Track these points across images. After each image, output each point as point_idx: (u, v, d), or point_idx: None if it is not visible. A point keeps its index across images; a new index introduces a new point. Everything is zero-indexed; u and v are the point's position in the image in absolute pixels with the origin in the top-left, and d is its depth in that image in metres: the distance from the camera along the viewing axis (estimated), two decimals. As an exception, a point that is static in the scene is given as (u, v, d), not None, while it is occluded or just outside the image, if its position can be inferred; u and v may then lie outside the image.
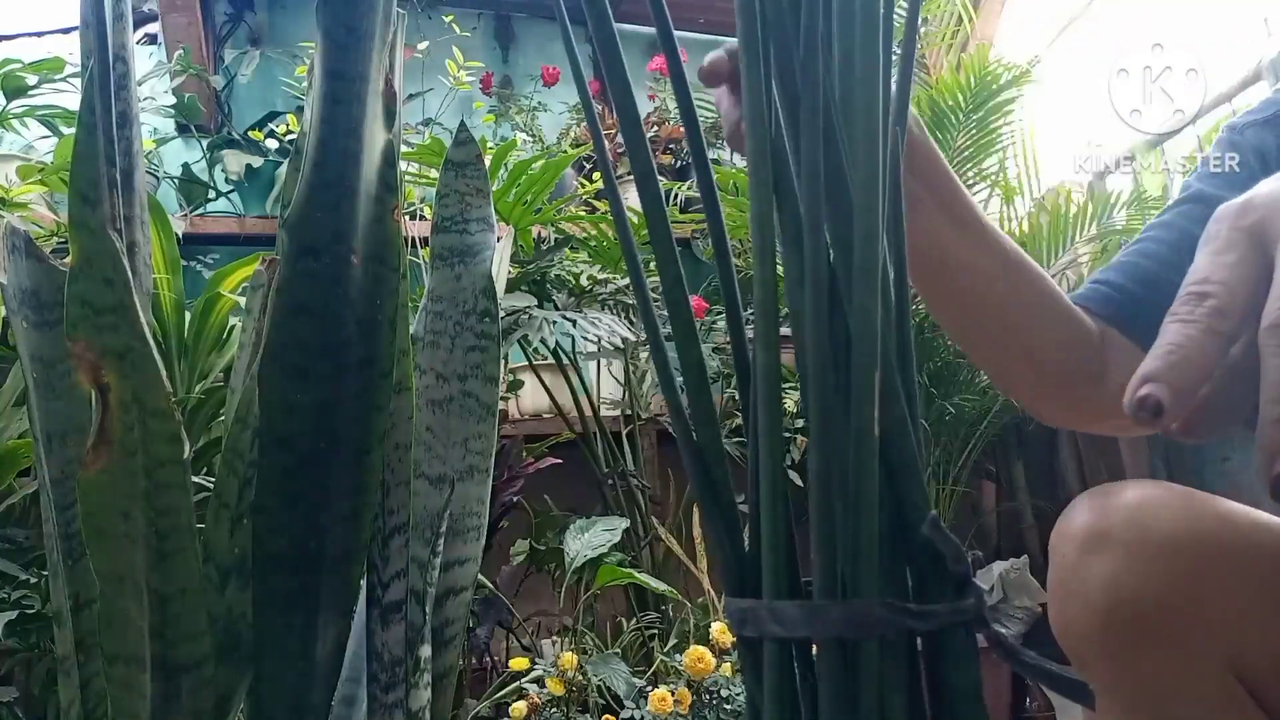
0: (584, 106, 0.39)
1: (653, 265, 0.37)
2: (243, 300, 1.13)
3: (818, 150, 0.32)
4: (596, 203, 2.17)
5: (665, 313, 0.38)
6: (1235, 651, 0.60)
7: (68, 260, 0.54)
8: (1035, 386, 0.71)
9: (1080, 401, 0.69)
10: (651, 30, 0.36)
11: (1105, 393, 0.69)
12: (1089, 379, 0.68)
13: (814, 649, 0.34)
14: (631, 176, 0.38)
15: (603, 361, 2.16)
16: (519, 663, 1.51)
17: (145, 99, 2.28)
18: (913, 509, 0.33)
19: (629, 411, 2.06)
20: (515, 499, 1.69)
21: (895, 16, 0.42)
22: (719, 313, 2.34)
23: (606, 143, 2.22)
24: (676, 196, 2.40)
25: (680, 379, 0.37)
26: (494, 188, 1.48)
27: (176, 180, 2.42)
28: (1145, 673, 0.60)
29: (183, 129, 2.53)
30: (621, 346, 1.86)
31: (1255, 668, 0.60)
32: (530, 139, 2.67)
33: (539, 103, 2.75)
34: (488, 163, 1.14)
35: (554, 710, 1.43)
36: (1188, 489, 0.66)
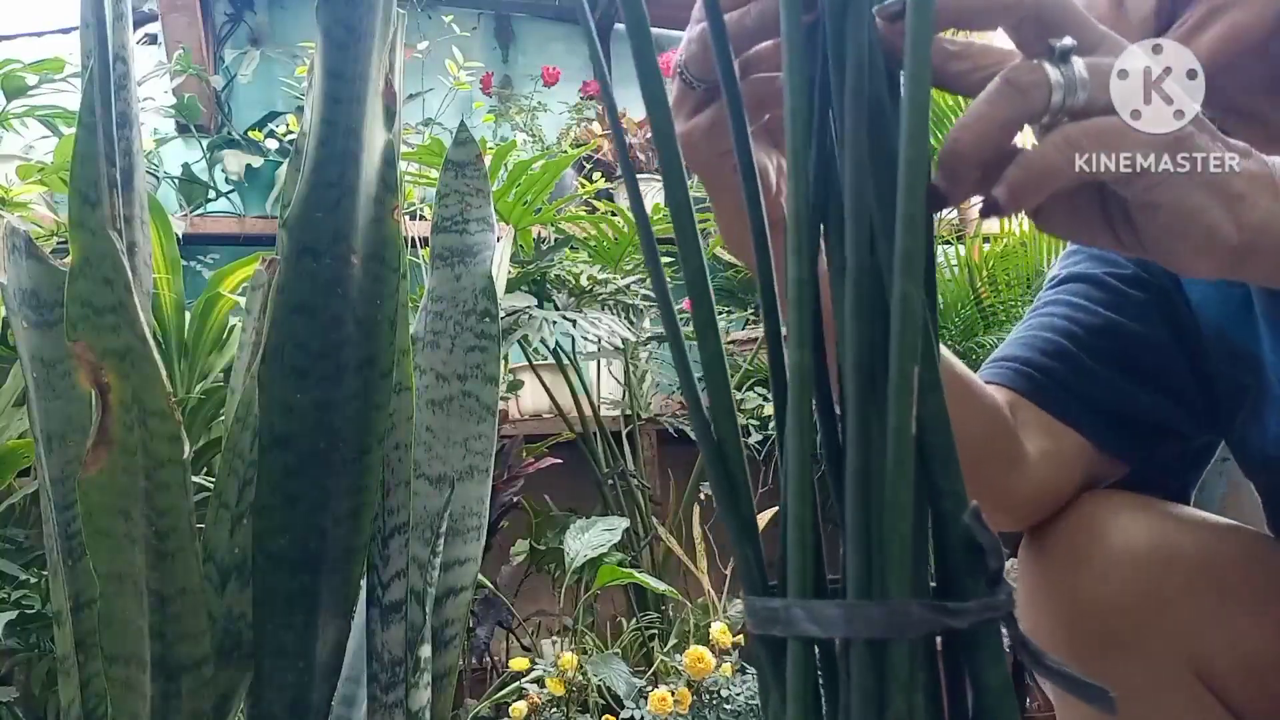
0: (606, 105, 0.39)
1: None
2: (243, 300, 1.13)
3: (863, 134, 0.32)
4: (596, 203, 2.17)
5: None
6: (1199, 655, 0.62)
7: (68, 260, 0.54)
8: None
9: (1000, 491, 0.66)
10: (656, 31, 0.36)
11: (1023, 478, 0.66)
12: (1008, 465, 0.66)
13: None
14: (636, 175, 0.38)
15: (603, 361, 2.16)
16: (519, 663, 1.52)
17: (145, 99, 2.28)
18: (954, 501, 0.32)
19: (629, 411, 2.06)
20: (515, 499, 1.69)
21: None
22: (719, 312, 2.34)
23: (606, 143, 2.21)
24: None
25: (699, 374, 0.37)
26: (494, 188, 1.48)
27: (176, 180, 2.42)
28: (1111, 679, 0.61)
29: (183, 129, 2.53)
30: (621, 346, 1.86)
31: (1220, 671, 0.62)
32: (530, 139, 2.67)
33: (539, 103, 2.75)
34: (488, 163, 1.14)
35: (554, 710, 1.43)
36: (1148, 498, 0.67)
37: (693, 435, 0.38)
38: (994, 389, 0.69)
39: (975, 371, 0.69)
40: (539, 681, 1.45)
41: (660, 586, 1.61)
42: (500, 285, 0.84)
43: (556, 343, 1.86)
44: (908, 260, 0.30)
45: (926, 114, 0.31)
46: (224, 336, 1.41)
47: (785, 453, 0.33)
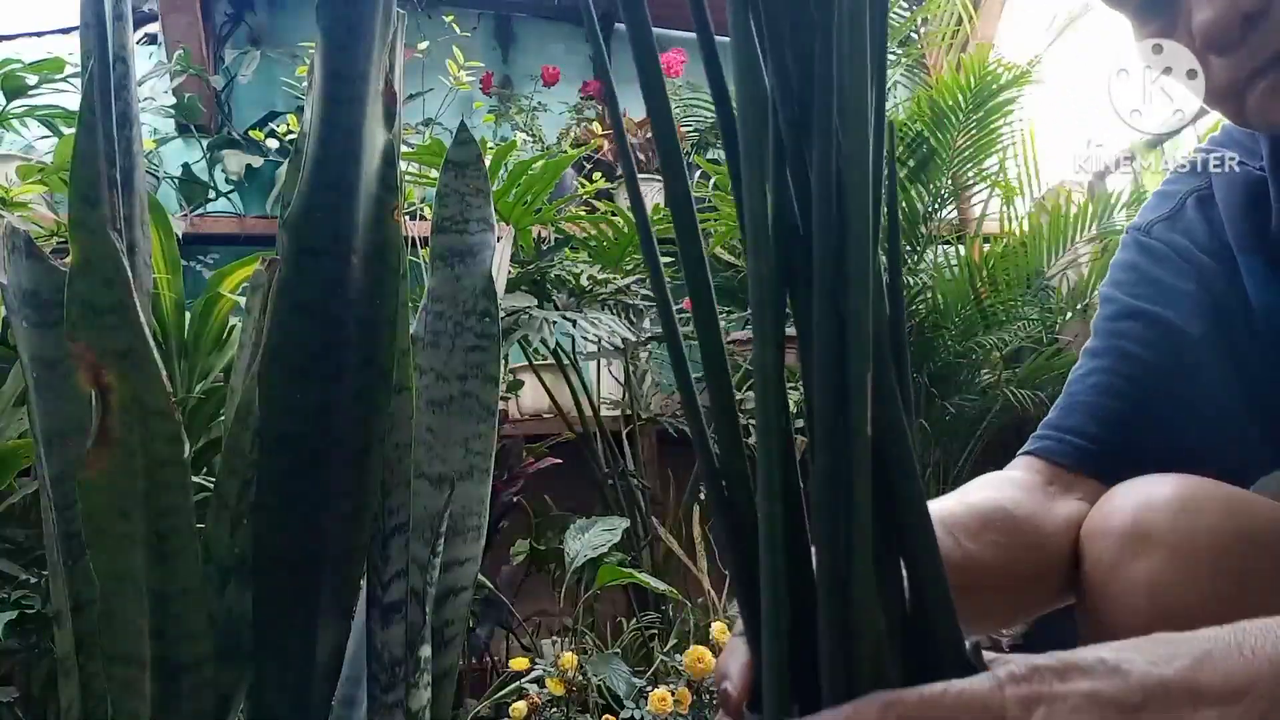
0: (608, 106, 0.39)
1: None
2: (243, 300, 1.13)
3: (828, 150, 0.32)
4: (596, 203, 2.17)
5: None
6: None
7: (68, 260, 0.54)
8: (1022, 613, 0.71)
9: (1037, 590, 0.67)
10: (656, 31, 0.36)
11: (1052, 558, 0.65)
12: (1035, 578, 0.66)
13: None
14: (639, 176, 0.38)
15: (603, 361, 2.16)
16: (519, 663, 1.51)
17: (145, 99, 2.28)
18: (908, 510, 0.33)
19: (629, 411, 2.06)
20: (515, 499, 1.69)
21: (893, 17, 0.42)
22: (721, 312, 2.33)
23: (606, 143, 2.22)
24: (676, 196, 2.39)
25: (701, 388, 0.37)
26: (494, 188, 1.48)
27: (176, 180, 2.42)
28: None
29: (183, 129, 2.53)
30: (621, 347, 1.86)
31: None
32: (530, 139, 2.67)
33: (539, 103, 2.75)
34: (488, 163, 1.14)
35: (554, 710, 1.43)
36: (1226, 485, 0.62)
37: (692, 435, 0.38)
38: (1039, 462, 0.70)
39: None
40: (539, 681, 1.45)
41: (660, 586, 1.61)
42: (500, 285, 0.84)
43: (556, 343, 1.86)
44: (857, 276, 0.31)
45: (867, 138, 0.31)
46: (224, 336, 1.41)
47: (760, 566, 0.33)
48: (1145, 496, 0.62)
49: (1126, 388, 0.71)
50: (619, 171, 2.34)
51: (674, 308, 0.37)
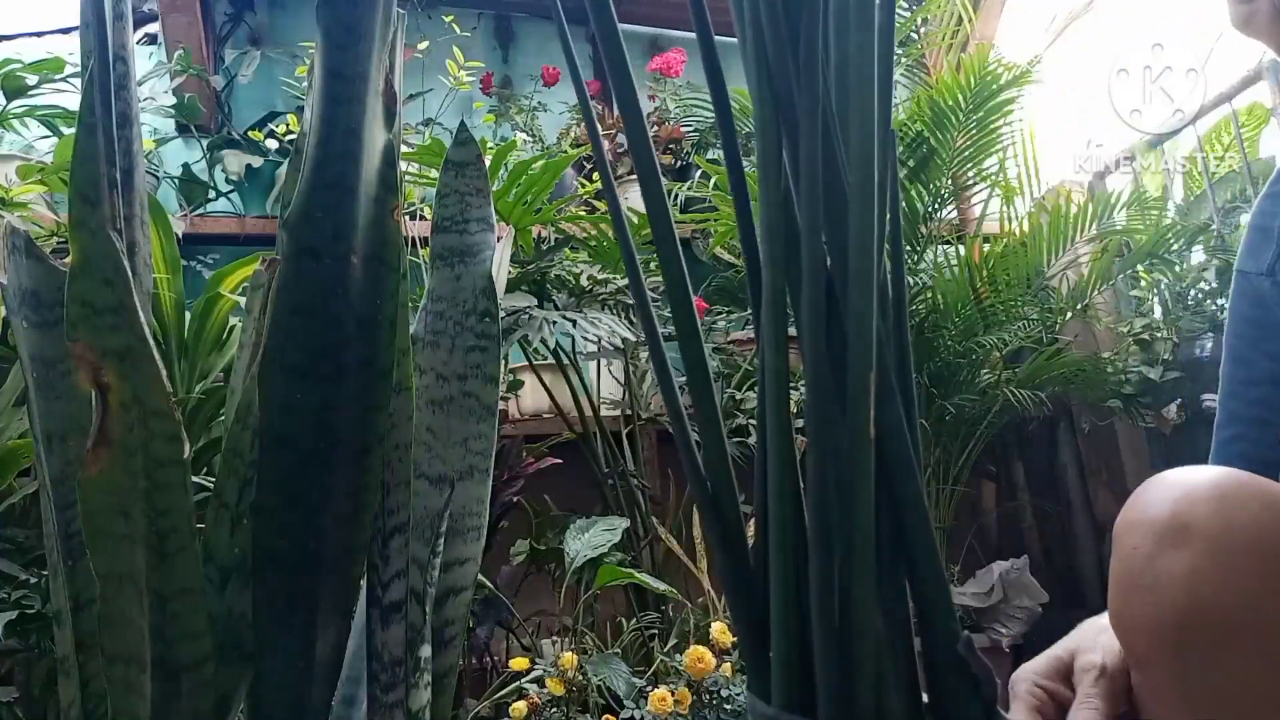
0: (582, 107, 0.39)
1: (652, 265, 0.37)
2: (243, 300, 1.13)
3: (816, 156, 0.32)
4: (596, 203, 2.17)
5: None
6: None
7: (68, 260, 0.54)
8: None
9: None
10: (651, 30, 0.36)
11: None
12: None
13: None
14: (631, 176, 0.38)
15: (603, 361, 2.16)
16: (519, 663, 1.51)
17: (145, 99, 2.28)
18: (909, 510, 0.33)
19: (629, 411, 2.06)
20: (515, 499, 1.69)
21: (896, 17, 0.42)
22: (719, 313, 2.34)
23: (606, 143, 2.22)
24: (676, 197, 2.40)
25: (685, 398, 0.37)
26: (494, 188, 1.48)
27: (176, 180, 2.42)
28: (1224, 677, 0.56)
29: (183, 129, 2.54)
30: (621, 346, 1.86)
31: None
32: (530, 139, 2.67)
33: (539, 103, 2.75)
34: (488, 163, 1.14)
35: (554, 710, 1.43)
36: (1265, 479, 0.61)
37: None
38: None
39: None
40: (539, 681, 1.45)
41: (660, 586, 1.61)
42: (500, 285, 0.84)
43: (556, 343, 1.86)
44: (860, 278, 0.31)
45: (872, 142, 0.31)
46: (224, 336, 1.41)
47: (768, 562, 0.33)
48: (1184, 489, 0.59)
49: (1273, 458, 0.72)
50: (619, 172, 2.34)
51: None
